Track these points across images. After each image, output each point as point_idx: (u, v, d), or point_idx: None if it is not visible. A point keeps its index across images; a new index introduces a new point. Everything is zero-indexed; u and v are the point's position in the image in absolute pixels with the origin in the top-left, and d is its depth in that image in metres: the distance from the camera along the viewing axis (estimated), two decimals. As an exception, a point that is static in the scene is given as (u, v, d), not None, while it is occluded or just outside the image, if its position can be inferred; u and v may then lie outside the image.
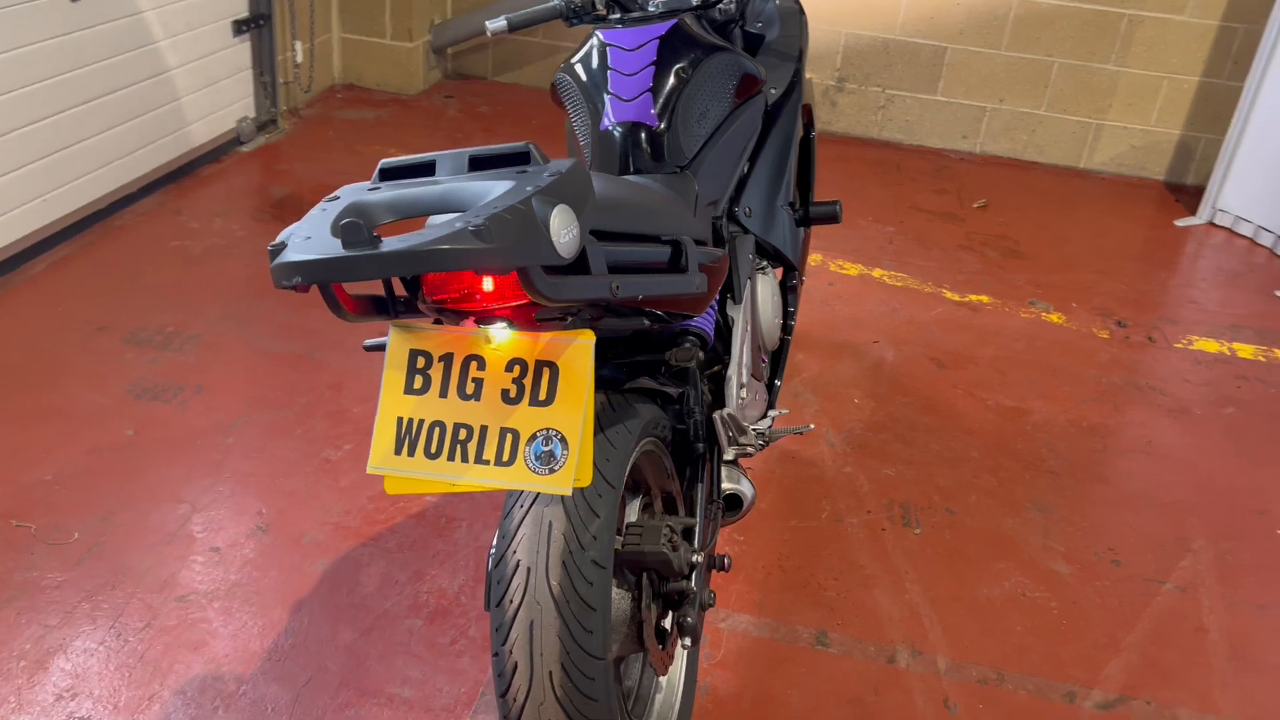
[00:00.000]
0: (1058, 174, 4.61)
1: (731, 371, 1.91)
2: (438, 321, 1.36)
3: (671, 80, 1.94)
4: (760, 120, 2.16)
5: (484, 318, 1.30)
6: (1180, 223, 4.26)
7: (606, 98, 1.94)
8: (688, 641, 1.63)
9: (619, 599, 1.58)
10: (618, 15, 2.06)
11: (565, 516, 1.41)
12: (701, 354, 1.70)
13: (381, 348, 1.46)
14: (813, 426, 2.70)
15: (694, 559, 1.64)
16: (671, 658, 1.72)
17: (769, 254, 2.19)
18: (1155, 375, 3.15)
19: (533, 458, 1.26)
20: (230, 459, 2.44)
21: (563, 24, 2.12)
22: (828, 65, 4.69)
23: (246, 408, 2.62)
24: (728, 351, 1.98)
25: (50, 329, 2.85)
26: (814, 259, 3.63)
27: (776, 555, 2.31)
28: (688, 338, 1.75)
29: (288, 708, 1.86)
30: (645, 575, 1.61)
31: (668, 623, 1.67)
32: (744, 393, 1.94)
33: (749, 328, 2.02)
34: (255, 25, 4.01)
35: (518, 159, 1.22)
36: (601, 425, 1.43)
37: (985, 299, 3.50)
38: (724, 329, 1.96)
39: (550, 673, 1.40)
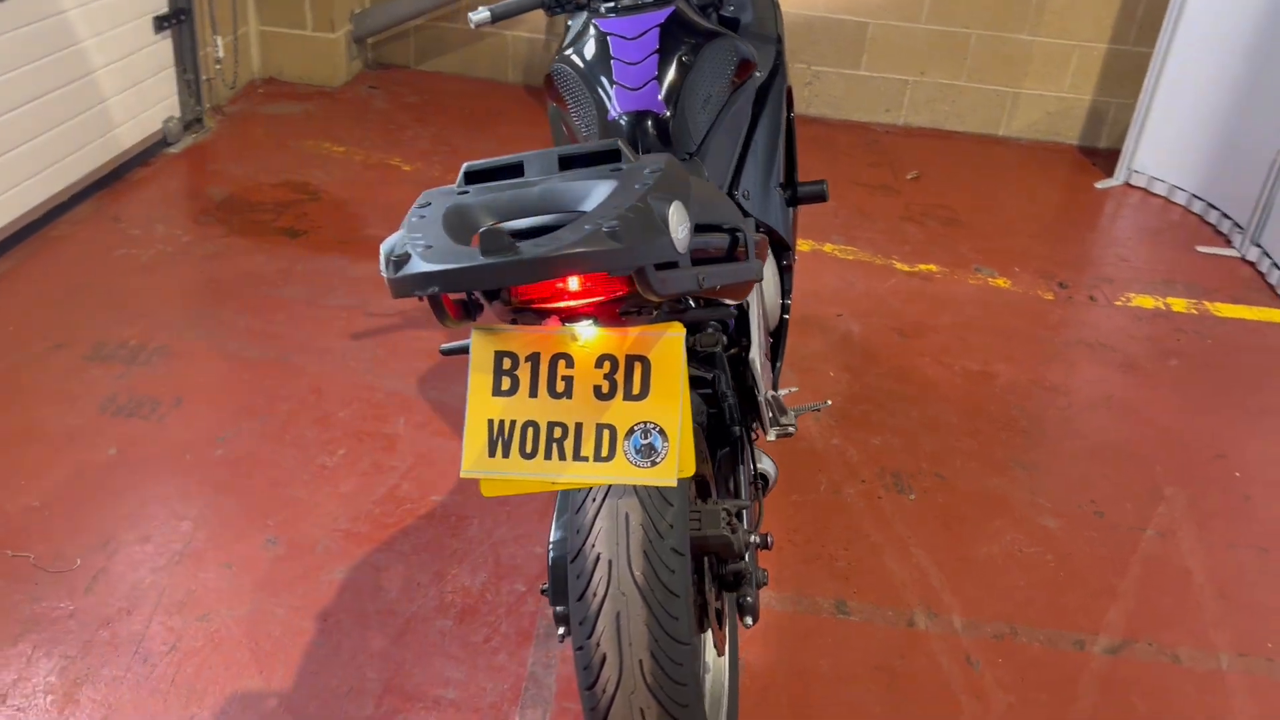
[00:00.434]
0: (979, 142, 4.76)
1: (754, 353, 1.94)
2: (513, 322, 1.36)
3: (675, 67, 1.96)
4: (752, 103, 2.19)
5: (569, 316, 1.30)
6: (1100, 185, 4.45)
7: (612, 87, 1.95)
8: (749, 621, 1.66)
9: None
10: (609, 4, 2.06)
11: (641, 507, 1.42)
12: (725, 338, 1.73)
13: (460, 351, 1.45)
14: (829, 403, 2.75)
15: (751, 539, 1.68)
16: (725, 638, 1.76)
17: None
18: (1102, 333, 3.30)
19: (633, 451, 1.27)
20: (224, 472, 2.38)
21: (540, 14, 2.11)
22: (755, 44, 4.74)
23: (230, 418, 2.55)
24: (740, 334, 2.01)
25: (2, 350, 2.72)
26: (766, 237, 3.69)
27: (785, 530, 2.36)
28: (710, 323, 1.77)
29: None
30: (706, 559, 1.64)
31: (718, 603, 1.70)
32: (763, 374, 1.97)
33: (761, 309, 2.06)
34: (176, 21, 3.87)
35: (607, 157, 1.23)
36: None
37: (934, 268, 3.61)
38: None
39: (640, 661, 1.42)
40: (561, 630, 1.68)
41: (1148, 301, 3.52)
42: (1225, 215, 4.08)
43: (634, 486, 1.42)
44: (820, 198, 2.37)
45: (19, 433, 2.43)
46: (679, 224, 1.13)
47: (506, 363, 1.32)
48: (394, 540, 2.24)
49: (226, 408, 2.58)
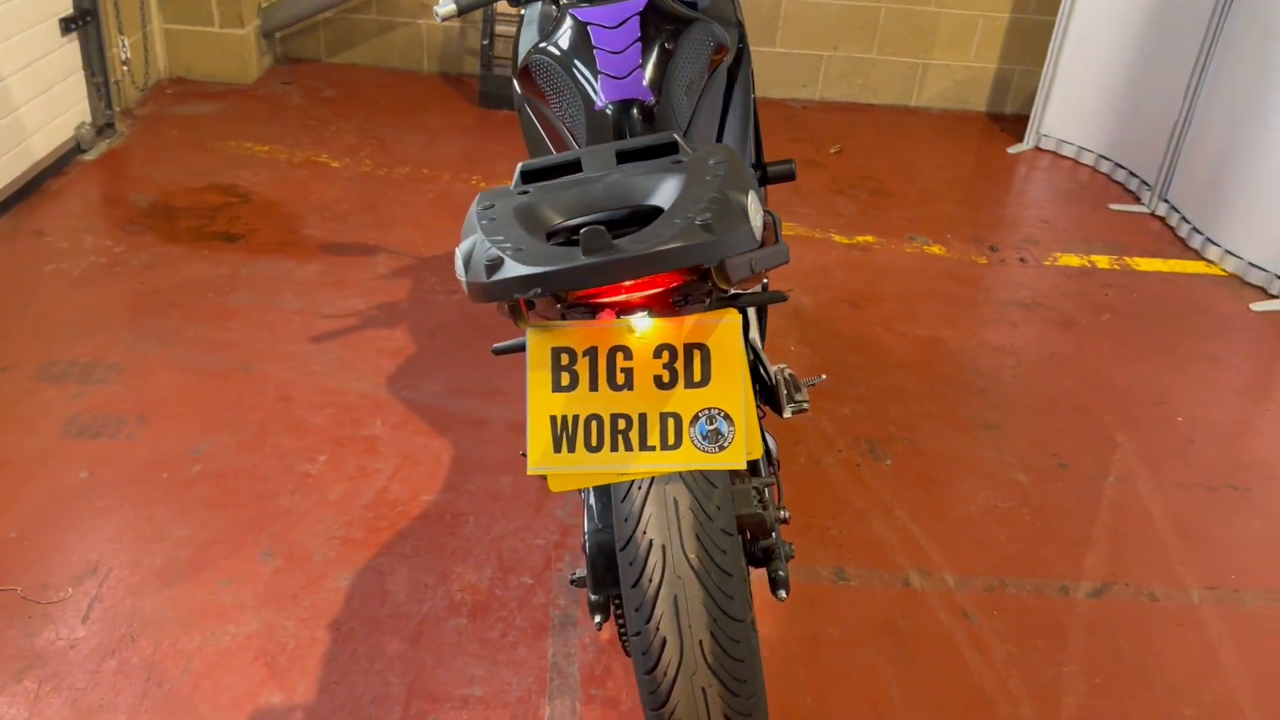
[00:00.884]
0: (893, 113, 4.89)
1: (754, 334, 1.99)
2: (563, 317, 1.37)
3: (658, 54, 1.98)
4: (725, 86, 2.22)
5: (622, 309, 1.32)
6: (1012, 150, 4.62)
7: (597, 77, 1.95)
8: (783, 594, 1.71)
9: None
10: None
11: (688, 491, 1.45)
12: (745, 322, 1.77)
13: (513, 350, 1.45)
14: (824, 377, 2.81)
15: (780, 515, 1.72)
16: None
17: None
18: (1036, 292, 3.44)
19: (700, 437, 1.30)
20: (205, 487, 2.32)
21: (503, 6, 2.10)
22: (672, 25, 4.77)
23: (201, 432, 2.48)
24: None
25: (-56, 375, 2.59)
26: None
27: (775, 503, 2.41)
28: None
29: (364, 728, 1.83)
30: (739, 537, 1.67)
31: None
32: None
33: None
34: (82, 22, 3.71)
35: (665, 149, 1.24)
36: None
37: (871, 239, 3.71)
38: None
39: (700, 641, 1.44)
40: (598, 618, 1.71)
41: (1073, 260, 3.68)
42: (1133, 174, 4.28)
43: (680, 473, 1.44)
44: (789, 177, 2.41)
45: (-22, 462, 2.33)
46: (755, 213, 1.16)
47: (564, 358, 1.33)
48: (392, 543, 2.22)
49: (195, 422, 2.51)
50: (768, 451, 2.02)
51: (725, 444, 1.29)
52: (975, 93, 4.97)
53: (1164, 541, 2.41)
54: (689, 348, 1.31)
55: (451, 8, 2.20)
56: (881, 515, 2.41)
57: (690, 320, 1.32)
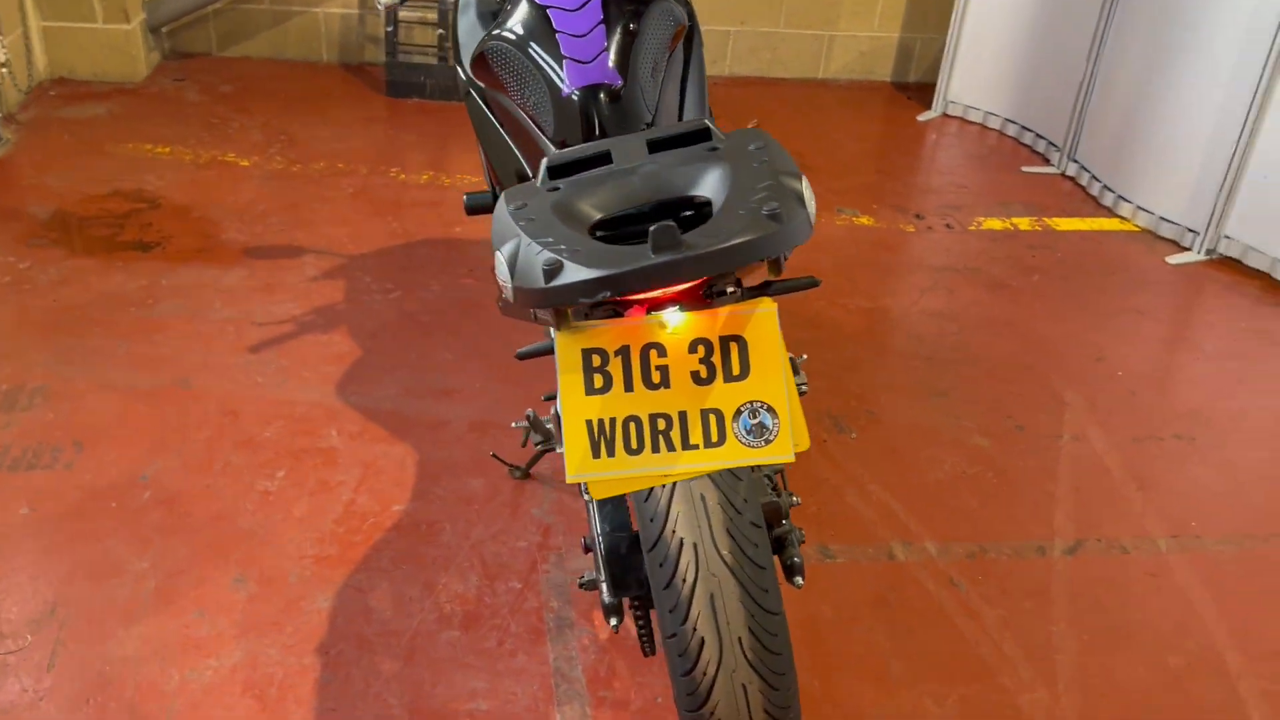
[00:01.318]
0: (802, 86, 4.92)
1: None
2: (586, 316, 1.31)
3: (623, 36, 1.92)
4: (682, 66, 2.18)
5: (653, 305, 1.27)
6: (921, 117, 4.69)
7: (562, 63, 1.89)
8: (799, 581, 1.69)
9: None
10: None
11: (715, 487, 1.42)
12: None
13: (538, 354, 1.38)
14: (805, 357, 2.80)
15: (792, 500, 1.70)
16: None
17: None
18: (966, 258, 3.50)
19: (744, 432, 1.26)
20: (160, 514, 2.19)
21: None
22: (579, 5, 4.70)
23: (145, 456, 2.34)
24: None
25: None
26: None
27: (751, 486, 2.39)
28: None
29: (371, 754, 1.75)
30: None
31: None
32: None
33: None
34: (-44, 23, 3.45)
35: (698, 136, 1.20)
36: None
37: (801, 213, 3.71)
38: None
39: (739, 639, 1.42)
40: (614, 621, 1.66)
41: (996, 224, 3.76)
42: (1040, 136, 4.39)
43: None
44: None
45: (-97, 506, 2.15)
46: (810, 197, 1.12)
47: (596, 360, 1.28)
48: (369, 558, 2.13)
49: (136, 445, 2.37)
50: None
51: (771, 437, 1.26)
52: (880, 63, 5.03)
53: (1125, 494, 2.47)
54: (725, 340, 1.27)
55: (395, -5, 2.10)
56: (855, 489, 2.42)
57: (724, 312, 1.28)
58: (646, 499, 1.44)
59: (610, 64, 1.90)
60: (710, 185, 1.13)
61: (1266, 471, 2.58)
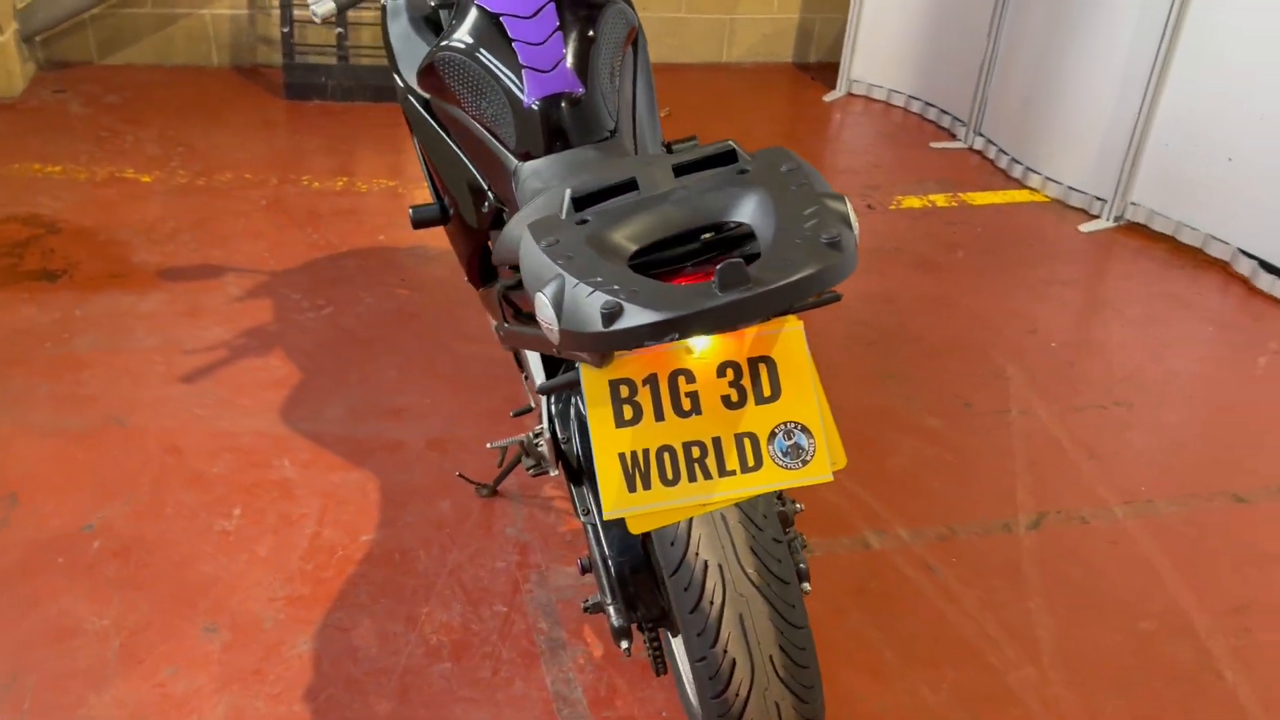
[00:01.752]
0: (707, 71, 4.91)
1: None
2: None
3: (581, 42, 1.88)
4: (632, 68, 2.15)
5: (677, 331, 1.24)
6: (827, 98, 4.74)
7: (520, 72, 1.84)
8: (806, 587, 1.69)
9: None
10: None
11: (734, 505, 1.40)
12: None
13: (562, 387, 1.34)
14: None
15: (796, 508, 1.69)
16: None
17: None
18: (892, 237, 3.56)
19: (780, 454, 1.24)
20: (114, 566, 2.07)
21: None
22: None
23: (88, 504, 2.21)
24: None
25: None
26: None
27: (720, 485, 2.39)
28: None
29: (379, 801, 1.69)
30: None
31: None
32: None
33: None
34: None
35: (724, 159, 1.17)
36: None
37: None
38: None
39: (770, 657, 1.41)
40: (625, 644, 1.64)
41: (914, 201, 3.82)
42: (944, 111, 4.48)
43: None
44: (695, 154, 2.37)
45: None
46: (855, 221, 1.11)
47: (624, 390, 1.24)
48: (345, 594, 2.05)
49: (76, 493, 2.23)
50: None
51: (807, 457, 1.24)
52: (781, 44, 5.06)
53: (1076, 465, 2.55)
54: (753, 362, 1.25)
55: (330, 5, 2.02)
56: (822, 481, 2.43)
57: (751, 334, 1.26)
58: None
59: (571, 71, 1.85)
60: (749, 211, 1.10)
61: (1200, 432, 2.69)
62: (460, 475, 2.31)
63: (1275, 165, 3.28)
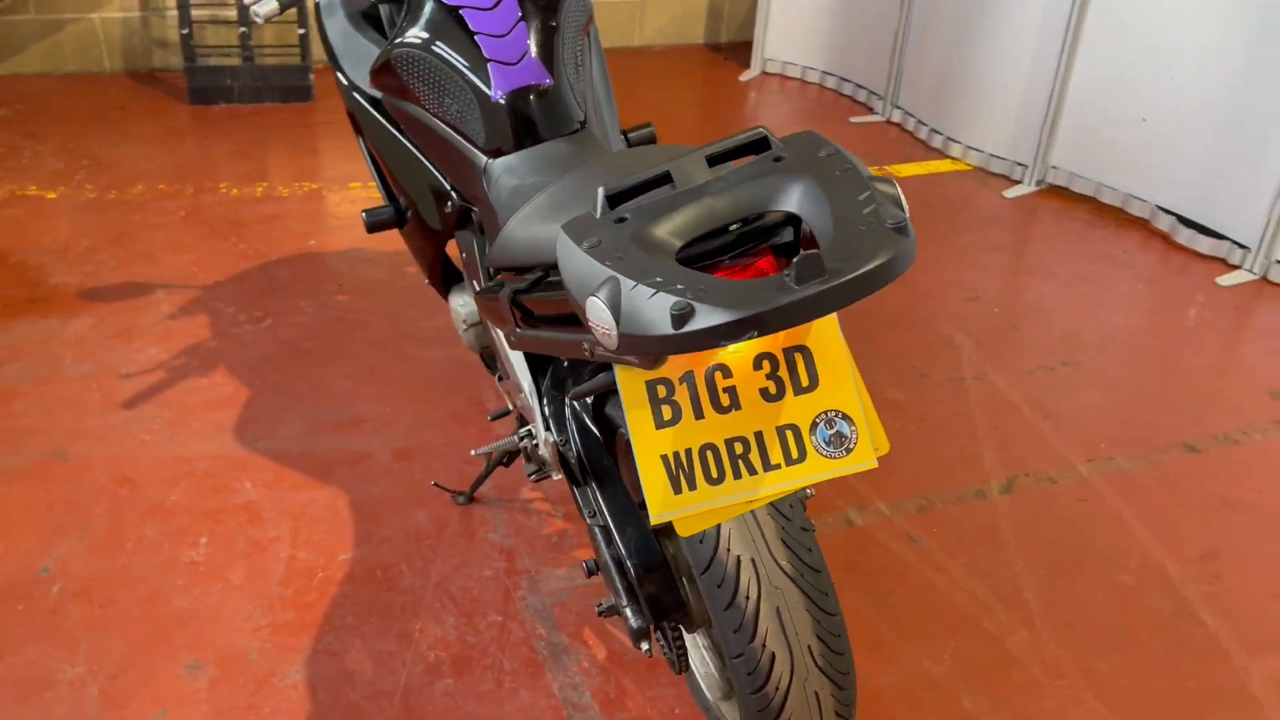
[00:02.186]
0: (620, 54, 4.87)
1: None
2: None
3: (544, 33, 1.84)
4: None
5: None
6: (743, 77, 4.75)
7: (486, 65, 1.78)
8: (819, 571, 1.68)
9: None
10: None
11: (760, 498, 1.38)
12: None
13: (597, 390, 1.29)
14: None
15: (808, 493, 1.68)
16: None
17: None
18: (827, 213, 3.58)
19: (823, 444, 1.22)
20: (78, 609, 1.95)
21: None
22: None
23: (41, 545, 2.08)
24: None
25: None
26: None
27: (697, 474, 2.37)
28: None
29: (401, 830, 1.63)
30: None
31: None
32: None
33: None
34: None
35: (757, 146, 1.14)
36: None
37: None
38: None
39: (809, 647, 1.40)
40: (645, 646, 1.61)
41: (843, 176, 3.85)
42: (860, 86, 4.53)
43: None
44: (652, 141, 2.34)
45: None
46: (905, 203, 1.09)
47: (661, 390, 1.21)
48: (330, 617, 1.97)
49: (26, 534, 2.10)
50: None
51: (851, 445, 1.23)
52: (692, 25, 5.04)
53: (1036, 426, 2.60)
54: (789, 352, 1.23)
55: (273, 5, 1.93)
56: (796, 461, 2.43)
57: (785, 323, 1.23)
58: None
59: (538, 63, 1.80)
60: (796, 199, 1.07)
61: (1146, 386, 2.78)
62: (436, 484, 2.24)
63: (1186, 124, 3.40)
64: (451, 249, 2.14)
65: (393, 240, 3.22)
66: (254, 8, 1.93)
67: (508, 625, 1.97)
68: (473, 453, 2.01)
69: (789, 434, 1.22)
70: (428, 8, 1.83)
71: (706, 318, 0.93)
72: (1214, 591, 2.15)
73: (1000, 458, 2.49)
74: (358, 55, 2.14)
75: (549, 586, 2.06)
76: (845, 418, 1.23)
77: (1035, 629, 2.04)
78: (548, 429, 1.72)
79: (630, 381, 1.20)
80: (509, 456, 2.16)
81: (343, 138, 3.91)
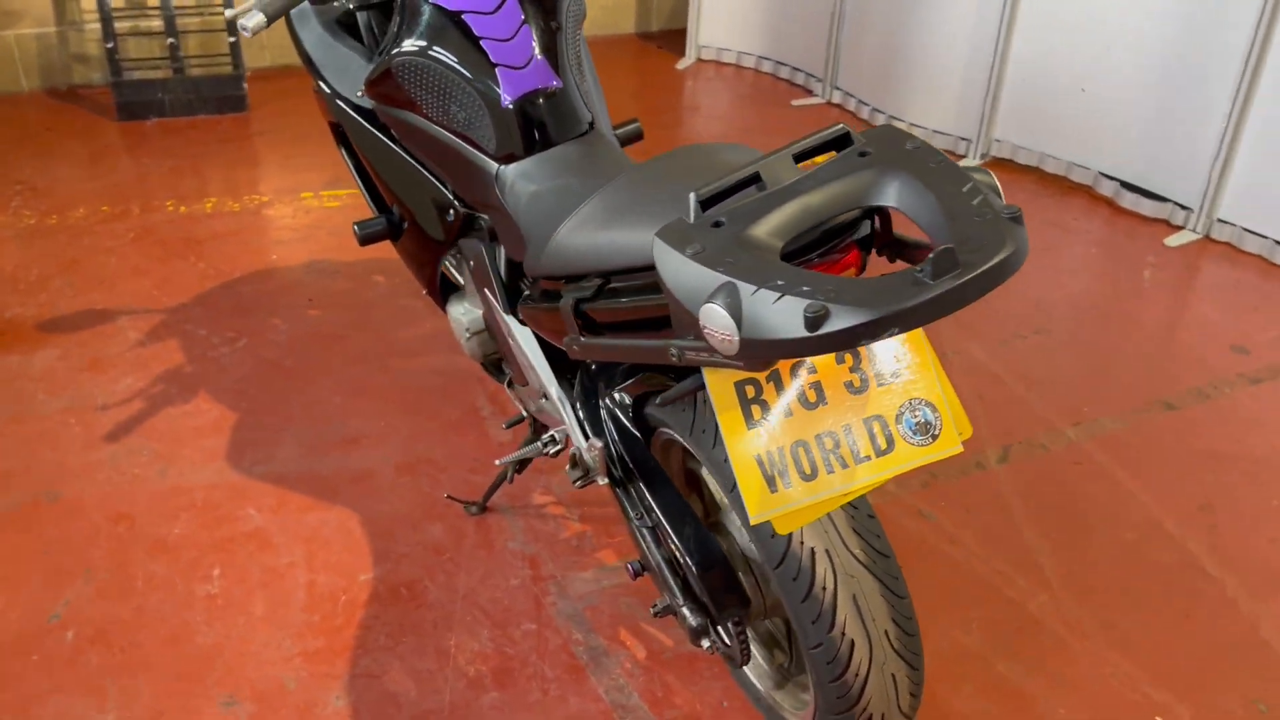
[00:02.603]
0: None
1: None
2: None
3: (547, 34, 1.82)
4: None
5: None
6: (679, 65, 4.75)
7: (494, 70, 1.76)
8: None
9: None
10: None
11: (827, 488, 1.40)
12: None
13: (683, 395, 1.29)
14: None
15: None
16: None
17: None
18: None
19: (910, 433, 1.24)
20: (97, 655, 1.88)
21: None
22: None
23: (46, 591, 2.00)
24: None
25: None
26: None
27: (705, 466, 2.38)
28: None
29: None
30: None
31: None
32: None
33: None
34: None
35: (840, 143, 1.14)
36: None
37: (614, 179, 3.68)
38: None
39: (886, 631, 1.42)
40: (706, 643, 1.62)
41: (794, 160, 3.89)
42: (798, 69, 4.57)
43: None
44: (638, 137, 2.33)
45: None
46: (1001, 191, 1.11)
47: (750, 391, 1.21)
48: (363, 640, 1.93)
49: (27, 582, 2.02)
50: None
51: (936, 432, 1.25)
52: (622, 16, 5.03)
53: (1020, 395, 2.67)
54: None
55: (260, 18, 1.88)
56: (798, 446, 2.46)
57: (862, 315, 1.24)
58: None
59: (545, 65, 1.79)
60: (894, 193, 1.08)
61: (1116, 347, 2.87)
62: (449, 496, 2.21)
63: (1124, 91, 3.51)
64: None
65: (355, 251, 3.15)
66: (241, 21, 1.86)
67: (543, 633, 1.96)
68: (497, 463, 1.99)
69: (876, 425, 1.23)
70: (426, 14, 1.80)
71: (844, 319, 0.93)
72: (1213, 542, 2.23)
73: (992, 428, 2.55)
74: (339, 64, 2.09)
75: (577, 590, 2.05)
76: (929, 405, 1.25)
77: (1054, 591, 2.10)
78: (587, 435, 1.71)
79: (720, 384, 1.20)
80: (521, 465, 2.15)
81: (286, 147, 3.81)
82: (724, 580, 1.56)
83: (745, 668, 1.81)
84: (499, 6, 1.80)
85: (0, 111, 3.91)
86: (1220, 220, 3.39)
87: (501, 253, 1.89)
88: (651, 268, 1.29)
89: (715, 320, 1.00)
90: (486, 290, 1.92)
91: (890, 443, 1.23)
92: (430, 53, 1.77)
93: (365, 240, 2.14)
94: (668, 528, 1.59)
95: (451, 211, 1.95)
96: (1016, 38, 3.70)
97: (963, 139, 3.94)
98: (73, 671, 1.85)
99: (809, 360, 1.22)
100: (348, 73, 2.08)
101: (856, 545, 1.41)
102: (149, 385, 2.55)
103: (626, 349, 1.31)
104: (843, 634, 1.40)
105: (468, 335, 2.09)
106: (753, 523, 1.19)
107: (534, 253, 1.57)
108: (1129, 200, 3.59)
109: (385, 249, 3.06)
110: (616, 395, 1.68)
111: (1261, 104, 3.17)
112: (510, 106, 1.74)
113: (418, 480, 2.30)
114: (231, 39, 3.92)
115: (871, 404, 1.24)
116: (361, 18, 2.11)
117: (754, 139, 4.02)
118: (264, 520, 2.18)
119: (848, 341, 0.94)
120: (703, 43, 4.77)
